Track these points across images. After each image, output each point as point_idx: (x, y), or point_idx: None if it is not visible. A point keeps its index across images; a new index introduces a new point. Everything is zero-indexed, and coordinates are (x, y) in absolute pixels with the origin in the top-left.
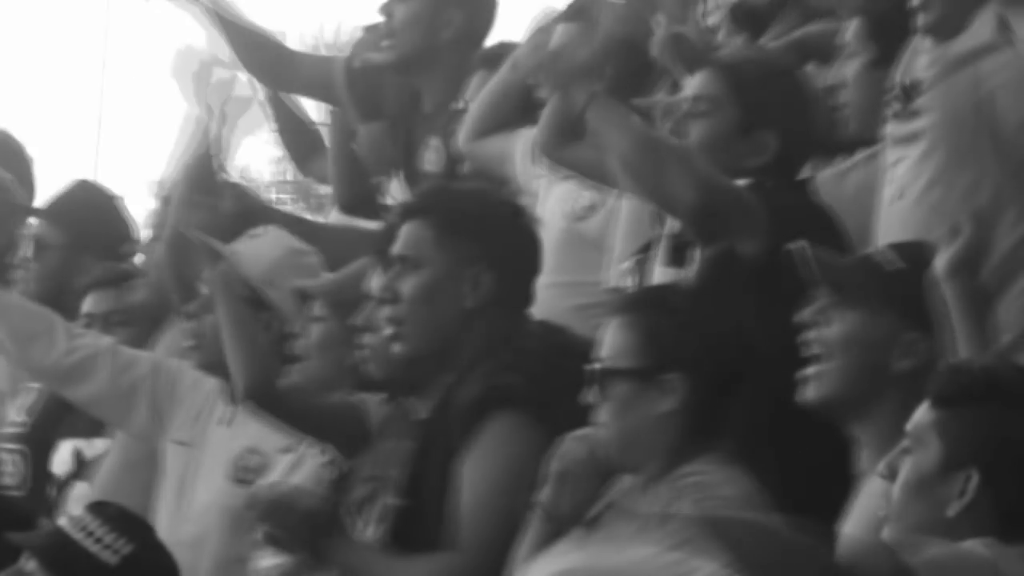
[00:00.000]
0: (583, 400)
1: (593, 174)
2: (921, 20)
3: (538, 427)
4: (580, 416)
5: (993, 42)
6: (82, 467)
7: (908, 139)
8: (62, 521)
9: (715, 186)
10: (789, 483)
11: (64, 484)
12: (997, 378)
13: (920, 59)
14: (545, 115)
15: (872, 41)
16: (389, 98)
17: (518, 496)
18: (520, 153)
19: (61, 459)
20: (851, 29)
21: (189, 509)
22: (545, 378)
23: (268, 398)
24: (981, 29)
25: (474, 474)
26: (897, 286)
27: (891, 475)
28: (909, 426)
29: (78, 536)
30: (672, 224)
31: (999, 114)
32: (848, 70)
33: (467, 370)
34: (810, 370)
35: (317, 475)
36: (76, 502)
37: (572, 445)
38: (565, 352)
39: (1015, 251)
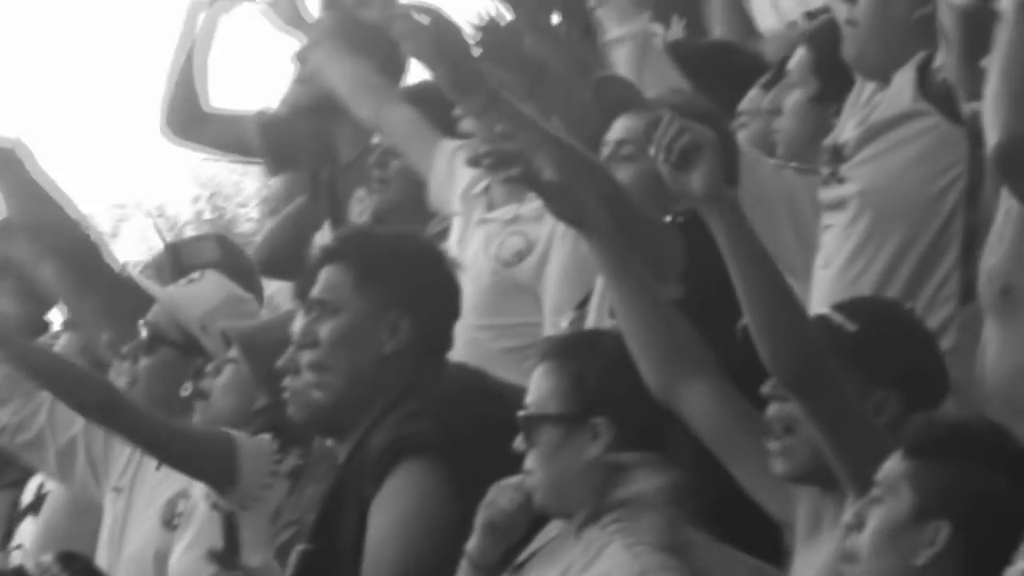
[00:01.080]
0: (501, 444)
1: None
2: (846, 49)
3: (448, 473)
4: (498, 460)
5: (914, 109)
6: (40, 501)
7: (835, 206)
8: (28, 563)
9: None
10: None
11: (20, 517)
12: (970, 432)
13: (850, 121)
14: None
15: (815, 76)
16: (303, 149)
17: (425, 541)
18: (438, 170)
19: (29, 491)
20: (795, 59)
21: (123, 553)
22: (459, 424)
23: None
24: (902, 93)
25: (382, 519)
26: (860, 347)
27: (858, 524)
28: (880, 475)
29: None
30: None
31: (918, 184)
32: (788, 99)
33: (381, 416)
34: (775, 445)
35: (210, 523)
36: (23, 537)
37: (499, 493)
38: (484, 396)
39: (943, 326)
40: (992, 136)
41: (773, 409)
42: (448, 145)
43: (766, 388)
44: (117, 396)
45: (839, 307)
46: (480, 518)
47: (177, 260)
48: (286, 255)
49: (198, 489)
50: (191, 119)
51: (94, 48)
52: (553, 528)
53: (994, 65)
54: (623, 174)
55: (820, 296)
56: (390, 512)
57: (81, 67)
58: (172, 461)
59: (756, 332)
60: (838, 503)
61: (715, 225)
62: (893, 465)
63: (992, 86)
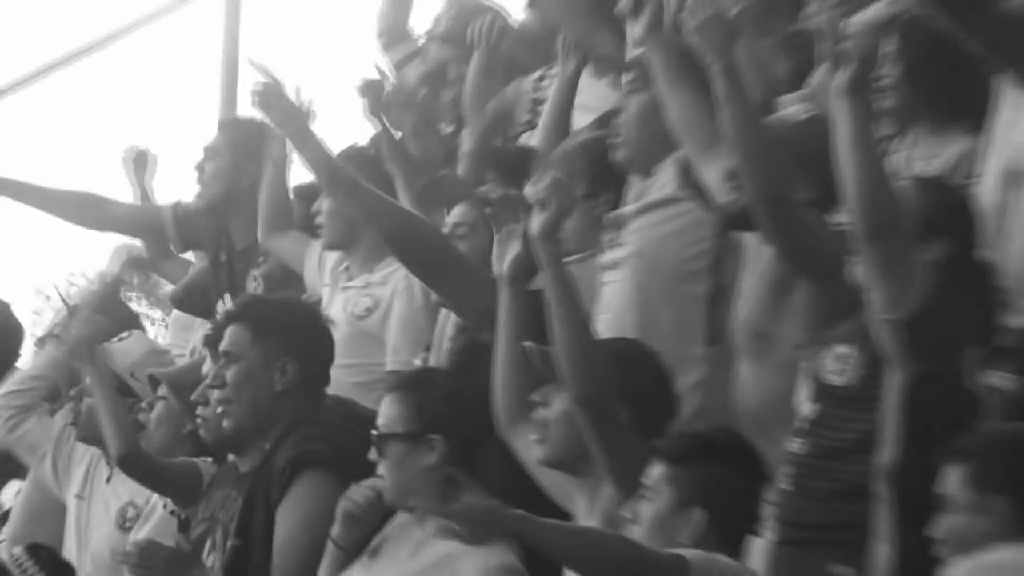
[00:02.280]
0: (370, 457)
1: None
2: (618, 155)
3: (338, 482)
4: (370, 469)
5: (676, 195)
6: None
7: (612, 266)
8: (3, 556)
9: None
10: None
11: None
12: (712, 439)
13: (631, 195)
14: None
15: (583, 179)
16: (205, 237)
17: (322, 535)
18: (310, 263)
19: (7, 495)
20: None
21: (88, 551)
22: (342, 443)
23: (133, 461)
24: (668, 183)
25: (288, 520)
26: (622, 375)
27: (635, 519)
28: (647, 479)
29: (15, 572)
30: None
31: (677, 251)
32: (631, 102)
33: (281, 438)
34: (536, 438)
35: (166, 522)
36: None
37: (356, 490)
38: (356, 421)
39: (694, 363)
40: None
41: (537, 413)
42: (316, 244)
43: (534, 395)
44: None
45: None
46: (339, 509)
47: None
48: (196, 299)
49: (141, 496)
50: (89, 204)
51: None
52: (399, 519)
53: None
54: (461, 247)
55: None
56: (295, 513)
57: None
58: (167, 491)
59: (562, 358)
60: (591, 488)
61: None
62: (655, 470)
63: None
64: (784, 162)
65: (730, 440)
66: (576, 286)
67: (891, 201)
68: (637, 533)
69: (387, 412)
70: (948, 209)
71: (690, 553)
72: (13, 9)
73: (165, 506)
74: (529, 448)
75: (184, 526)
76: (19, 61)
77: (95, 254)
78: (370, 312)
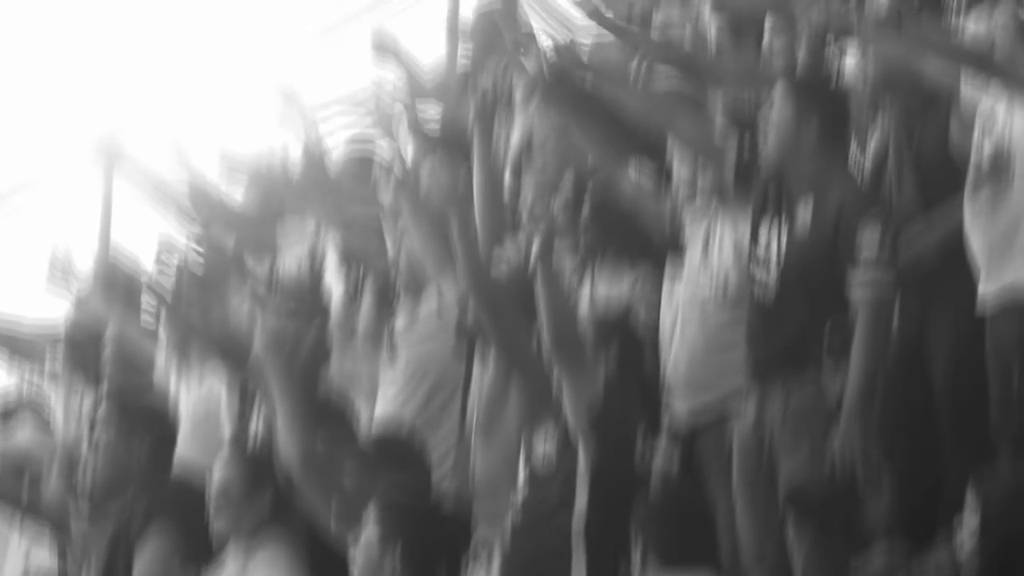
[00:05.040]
0: None
1: None
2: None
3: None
4: None
5: (437, 310)
6: None
7: (389, 367)
8: None
9: None
10: None
11: None
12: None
13: (402, 312)
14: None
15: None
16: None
17: None
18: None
19: None
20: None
21: None
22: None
23: None
24: (431, 298)
25: None
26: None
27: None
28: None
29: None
30: None
31: (442, 350)
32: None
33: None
34: None
35: None
36: None
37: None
38: None
39: (450, 448)
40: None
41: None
42: None
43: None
44: None
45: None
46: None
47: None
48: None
49: None
50: None
51: None
52: None
53: None
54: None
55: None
56: None
57: None
58: None
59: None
60: None
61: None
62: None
63: None
64: (501, 288)
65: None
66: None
67: (573, 323)
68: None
69: None
70: (616, 325)
71: None
72: None
73: None
74: None
75: None
76: None
77: None
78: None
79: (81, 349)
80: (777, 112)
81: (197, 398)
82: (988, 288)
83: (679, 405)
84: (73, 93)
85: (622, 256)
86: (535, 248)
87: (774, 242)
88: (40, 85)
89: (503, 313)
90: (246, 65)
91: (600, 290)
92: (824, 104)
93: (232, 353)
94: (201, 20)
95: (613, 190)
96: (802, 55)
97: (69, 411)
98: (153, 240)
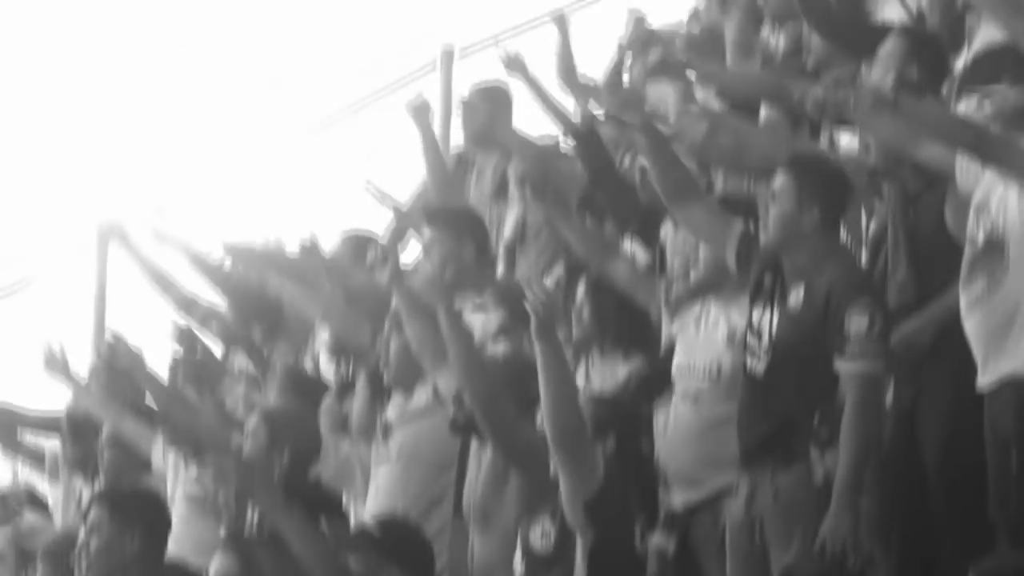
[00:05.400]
0: None
1: None
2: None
3: None
4: None
5: (432, 407)
6: None
7: (384, 458)
8: None
9: None
10: None
11: None
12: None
13: (393, 406)
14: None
15: None
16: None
17: None
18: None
19: None
20: None
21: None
22: None
23: None
24: (424, 395)
25: None
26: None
27: None
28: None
29: None
30: None
31: (434, 450)
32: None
33: None
34: None
35: None
36: None
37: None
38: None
39: (442, 529)
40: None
41: None
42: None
43: None
44: None
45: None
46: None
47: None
48: None
49: None
50: None
51: None
52: None
53: None
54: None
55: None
56: None
57: None
58: None
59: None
60: None
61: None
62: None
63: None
64: (496, 381)
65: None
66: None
67: (577, 413)
68: None
69: None
70: (612, 414)
71: None
72: None
73: None
74: None
75: None
76: None
77: None
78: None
79: (80, 439)
80: (779, 201)
81: (192, 492)
82: (985, 380)
83: (674, 498)
84: (69, 180)
85: (617, 346)
86: (534, 327)
87: (766, 327)
88: (35, 174)
89: (499, 409)
90: (243, 155)
91: (595, 380)
92: (825, 191)
93: (224, 448)
94: (196, 106)
95: (606, 280)
96: (802, 142)
97: (68, 500)
98: (149, 328)
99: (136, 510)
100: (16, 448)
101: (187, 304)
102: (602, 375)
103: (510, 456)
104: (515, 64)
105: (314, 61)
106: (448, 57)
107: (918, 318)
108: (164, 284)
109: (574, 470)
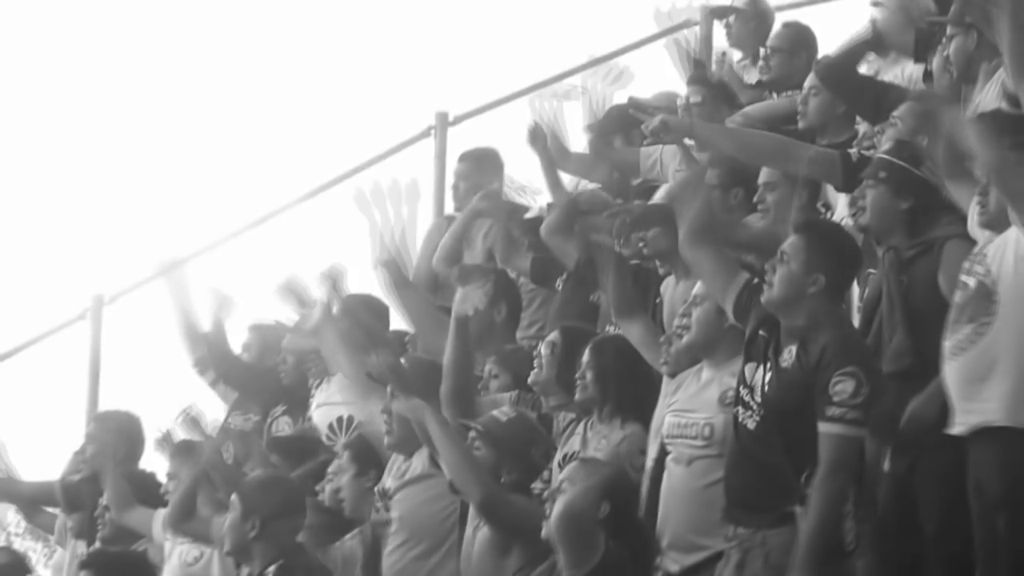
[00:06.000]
0: None
1: None
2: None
3: None
4: None
5: (430, 471)
6: None
7: (386, 523)
8: None
9: None
10: None
11: None
12: None
13: (393, 471)
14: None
15: None
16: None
17: None
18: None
19: None
20: None
21: None
22: None
23: None
24: (421, 461)
25: None
26: None
27: None
28: None
29: None
30: None
31: (432, 513)
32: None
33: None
34: None
35: None
36: None
37: None
38: None
39: None
40: None
41: None
42: (159, 513)
43: None
44: None
45: None
46: None
47: None
48: None
49: None
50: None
51: None
52: None
53: None
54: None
55: None
56: None
57: None
58: None
59: None
60: None
61: None
62: None
63: None
64: (486, 469)
65: None
66: None
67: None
68: None
69: None
70: (614, 482)
71: None
72: None
73: None
74: None
75: None
76: None
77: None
78: (198, 559)
79: (75, 507)
80: (787, 261)
81: (188, 562)
82: (959, 426)
83: (669, 564)
84: (65, 249)
85: (616, 413)
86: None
87: (759, 383)
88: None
89: (496, 501)
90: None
91: (591, 444)
92: (835, 260)
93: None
94: (192, 175)
95: (610, 345)
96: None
97: (72, 565)
98: (142, 396)
99: (121, 572)
100: (32, 519)
101: (203, 363)
102: (597, 440)
103: (511, 532)
104: (537, 137)
105: (310, 127)
106: (443, 121)
107: (924, 393)
108: (193, 337)
109: (575, 551)
